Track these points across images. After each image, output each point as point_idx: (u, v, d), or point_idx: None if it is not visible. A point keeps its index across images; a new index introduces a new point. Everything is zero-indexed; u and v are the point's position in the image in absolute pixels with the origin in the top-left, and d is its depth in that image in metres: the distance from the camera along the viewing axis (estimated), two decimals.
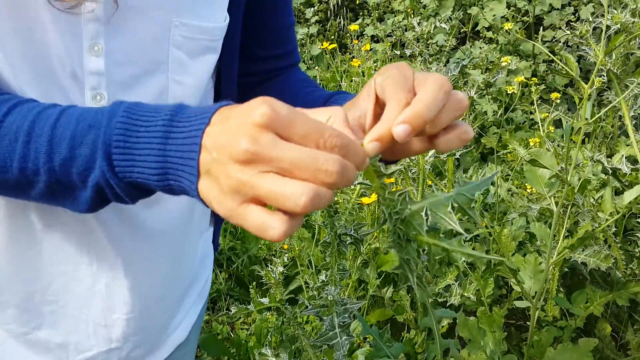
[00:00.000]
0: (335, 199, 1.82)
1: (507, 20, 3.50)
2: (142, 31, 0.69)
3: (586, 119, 1.60)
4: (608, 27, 1.91)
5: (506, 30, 2.94)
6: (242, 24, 0.83)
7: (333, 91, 0.81)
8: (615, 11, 1.94)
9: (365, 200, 1.74)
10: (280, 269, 1.38)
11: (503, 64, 2.01)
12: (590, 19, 2.04)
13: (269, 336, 1.67)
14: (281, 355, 1.43)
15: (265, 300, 1.33)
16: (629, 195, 1.50)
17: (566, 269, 1.93)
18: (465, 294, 1.85)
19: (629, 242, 2.02)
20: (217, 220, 1.00)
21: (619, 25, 1.89)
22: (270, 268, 1.39)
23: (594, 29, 2.22)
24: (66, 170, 0.57)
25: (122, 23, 0.67)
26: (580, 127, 1.56)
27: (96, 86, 0.68)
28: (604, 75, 1.96)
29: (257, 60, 0.88)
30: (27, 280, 0.76)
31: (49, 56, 0.65)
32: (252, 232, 0.49)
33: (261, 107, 0.49)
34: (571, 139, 1.53)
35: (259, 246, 2.22)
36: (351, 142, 0.50)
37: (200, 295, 1.00)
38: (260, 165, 0.48)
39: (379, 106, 0.61)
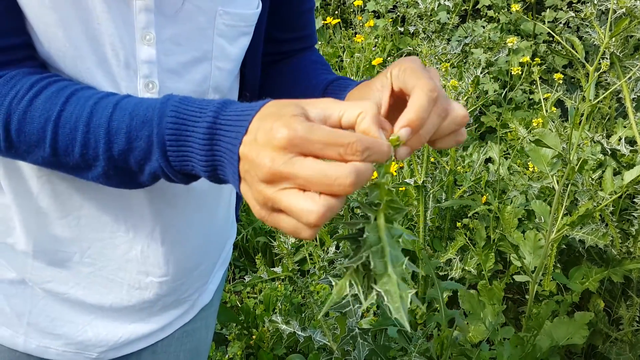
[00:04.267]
0: None
1: None
2: (190, 21, 0.72)
3: (590, 100, 1.64)
4: (612, 10, 1.95)
5: (509, 11, 2.97)
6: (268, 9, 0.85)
7: (335, 76, 0.83)
8: None
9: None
10: (292, 239, 1.43)
11: (509, 44, 2.05)
12: (595, 2, 2.07)
13: (278, 304, 1.72)
14: (291, 322, 1.48)
15: (278, 270, 1.38)
16: (629, 175, 1.55)
17: (564, 246, 1.99)
18: (467, 268, 1.91)
19: (623, 221, 2.09)
20: (238, 194, 1.04)
21: (623, 10, 1.93)
22: (283, 239, 1.44)
23: (596, 10, 2.25)
24: (125, 158, 0.63)
25: (172, 13, 0.70)
26: (582, 108, 1.61)
27: (148, 74, 0.71)
28: (606, 58, 2.00)
29: (275, 42, 0.90)
30: (67, 242, 0.80)
31: (104, 45, 0.69)
32: (286, 233, 0.56)
33: (280, 130, 0.53)
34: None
35: None
36: (373, 143, 0.53)
37: (224, 261, 1.04)
38: (281, 182, 0.53)
39: (393, 97, 0.65)
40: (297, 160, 0.53)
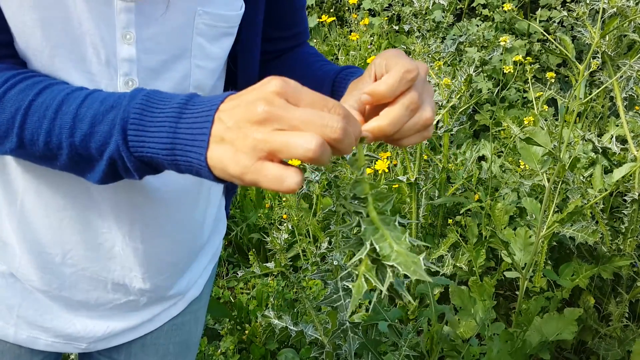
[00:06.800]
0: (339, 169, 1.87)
1: None
2: (170, 21, 0.73)
3: (580, 99, 1.66)
4: (604, 9, 1.96)
5: (503, 10, 2.99)
6: (263, 10, 0.86)
7: (343, 65, 0.86)
8: None
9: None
10: (285, 235, 1.44)
11: (501, 43, 2.06)
12: (587, 1, 2.09)
13: (271, 299, 1.74)
14: (283, 317, 1.49)
15: (271, 265, 1.39)
16: (618, 173, 1.57)
17: (554, 243, 2.01)
18: (458, 264, 1.93)
19: (614, 219, 2.11)
20: (228, 190, 1.05)
21: (615, 9, 1.94)
22: (275, 235, 1.45)
23: (590, 10, 2.27)
24: (86, 144, 0.63)
25: (152, 13, 0.72)
26: (572, 107, 1.62)
27: (128, 72, 0.73)
28: (598, 57, 2.02)
29: (270, 40, 0.92)
30: (50, 244, 0.82)
31: (84, 44, 0.70)
32: (267, 186, 0.55)
33: (273, 80, 0.56)
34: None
35: (258, 215, 2.28)
36: (351, 114, 0.57)
37: (213, 256, 1.06)
38: (274, 123, 0.54)
39: None
40: (291, 105, 0.55)
